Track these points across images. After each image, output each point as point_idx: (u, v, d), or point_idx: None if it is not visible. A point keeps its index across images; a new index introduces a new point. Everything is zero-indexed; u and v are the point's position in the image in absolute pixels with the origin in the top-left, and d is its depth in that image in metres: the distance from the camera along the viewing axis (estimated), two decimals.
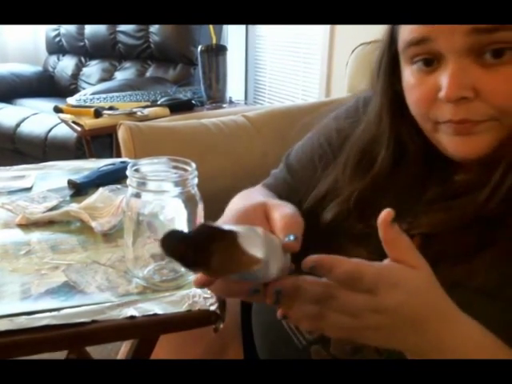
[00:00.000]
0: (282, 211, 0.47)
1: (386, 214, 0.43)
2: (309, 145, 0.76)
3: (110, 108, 1.92)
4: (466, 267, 0.51)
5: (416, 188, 0.60)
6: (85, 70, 3.44)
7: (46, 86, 3.54)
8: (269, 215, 0.48)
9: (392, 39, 0.60)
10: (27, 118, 2.84)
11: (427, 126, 0.57)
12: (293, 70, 2.86)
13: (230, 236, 0.37)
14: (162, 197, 0.65)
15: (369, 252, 0.58)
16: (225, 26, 3.05)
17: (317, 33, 2.55)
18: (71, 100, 2.24)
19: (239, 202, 0.69)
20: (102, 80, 3.21)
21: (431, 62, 0.54)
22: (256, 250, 0.38)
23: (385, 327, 0.43)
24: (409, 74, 0.57)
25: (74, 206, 0.87)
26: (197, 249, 0.37)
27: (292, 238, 0.44)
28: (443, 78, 0.52)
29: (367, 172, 0.63)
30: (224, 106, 2.14)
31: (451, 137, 0.54)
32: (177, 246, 0.37)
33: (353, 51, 1.61)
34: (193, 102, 2.10)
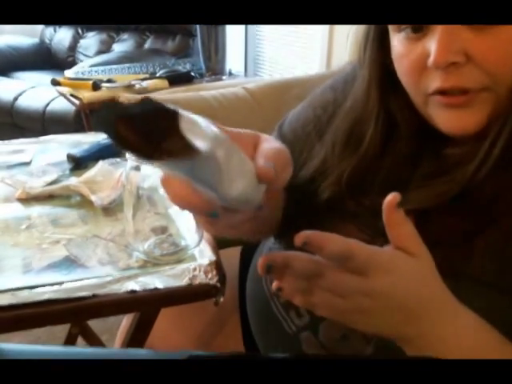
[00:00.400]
0: (272, 144, 0.43)
1: (391, 198, 0.43)
2: (303, 115, 0.73)
3: (109, 81, 1.90)
4: (461, 253, 0.50)
5: (408, 164, 0.59)
6: (82, 41, 3.39)
7: (42, 58, 3.49)
8: (257, 146, 0.44)
9: None
10: (25, 91, 2.82)
11: (419, 99, 0.55)
12: (293, 41, 2.82)
13: (173, 117, 0.32)
14: None
15: (359, 230, 0.58)
16: None
17: None
18: (69, 73, 2.22)
19: None
20: (100, 52, 3.17)
21: (419, 28, 0.52)
22: (202, 144, 0.33)
23: (375, 311, 0.42)
24: (397, 43, 0.54)
25: (73, 180, 0.87)
26: (132, 127, 0.32)
27: (271, 165, 0.40)
28: (432, 44, 0.50)
29: (356, 150, 0.62)
30: (223, 77, 2.13)
31: (444, 111, 0.52)
32: (112, 122, 0.32)
33: None
34: (192, 74, 2.08)
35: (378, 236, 0.57)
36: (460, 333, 0.44)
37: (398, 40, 0.54)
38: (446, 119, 0.53)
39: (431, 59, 0.49)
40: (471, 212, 0.51)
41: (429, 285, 0.44)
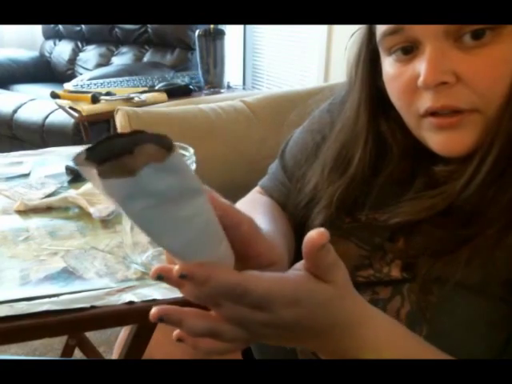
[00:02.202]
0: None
1: (317, 238, 0.37)
2: (302, 140, 0.73)
3: (108, 93, 1.90)
4: (445, 261, 0.50)
5: (400, 182, 0.59)
6: (81, 55, 3.41)
7: (42, 71, 3.51)
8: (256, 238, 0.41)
9: (371, 32, 0.58)
10: (24, 104, 2.82)
11: (411, 121, 0.55)
12: (291, 54, 2.84)
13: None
14: None
15: (357, 245, 0.58)
16: None
17: None
18: (68, 85, 2.23)
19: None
20: (99, 65, 3.19)
21: (409, 49, 0.52)
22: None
23: (280, 337, 0.40)
24: (388, 66, 0.55)
25: (72, 192, 0.87)
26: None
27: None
28: (421, 65, 0.50)
29: (345, 173, 0.61)
30: (222, 91, 2.13)
31: (436, 133, 0.53)
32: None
33: (352, 35, 1.59)
34: (190, 87, 2.09)
35: (376, 250, 0.57)
36: (364, 345, 0.42)
37: (388, 63, 0.55)
38: (438, 141, 0.53)
39: (421, 79, 0.50)
40: (457, 223, 0.52)
41: (336, 308, 0.40)
